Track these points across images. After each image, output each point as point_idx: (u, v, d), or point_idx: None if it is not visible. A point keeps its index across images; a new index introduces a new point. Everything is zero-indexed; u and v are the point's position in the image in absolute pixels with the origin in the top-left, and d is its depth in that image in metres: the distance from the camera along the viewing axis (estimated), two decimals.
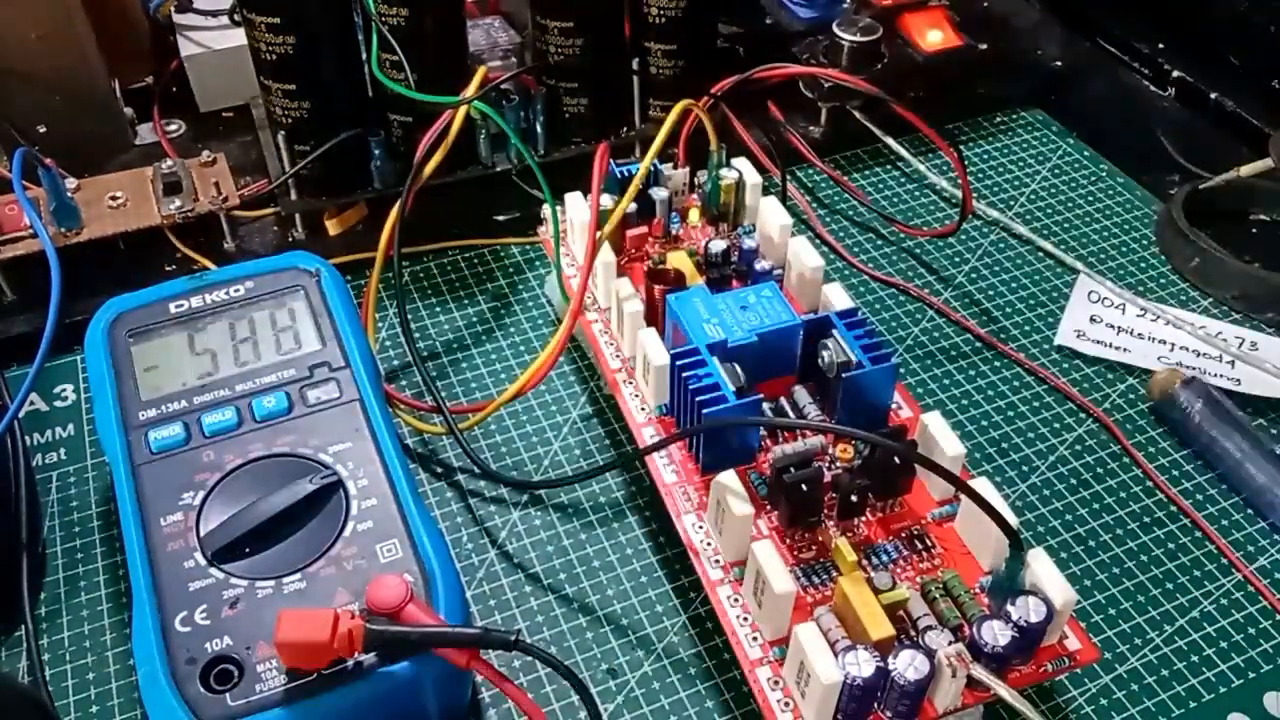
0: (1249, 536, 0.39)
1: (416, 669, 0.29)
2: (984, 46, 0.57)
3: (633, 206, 0.40)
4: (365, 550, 0.31)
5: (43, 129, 0.49)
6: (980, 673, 0.28)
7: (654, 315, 0.38)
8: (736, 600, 0.31)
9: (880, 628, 0.29)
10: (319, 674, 0.28)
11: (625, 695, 0.34)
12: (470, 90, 0.42)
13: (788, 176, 0.51)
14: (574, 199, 0.41)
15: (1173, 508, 0.39)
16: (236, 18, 0.54)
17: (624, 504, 0.39)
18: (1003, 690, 0.28)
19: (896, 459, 0.32)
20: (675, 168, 0.42)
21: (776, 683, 0.30)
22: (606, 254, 0.39)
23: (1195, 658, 0.35)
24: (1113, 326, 0.46)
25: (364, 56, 0.46)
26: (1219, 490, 0.40)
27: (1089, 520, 0.39)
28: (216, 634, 0.29)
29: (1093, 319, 0.46)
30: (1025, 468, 0.41)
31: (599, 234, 0.38)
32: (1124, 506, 0.39)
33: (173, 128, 0.54)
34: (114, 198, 0.47)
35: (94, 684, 0.34)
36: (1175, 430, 0.42)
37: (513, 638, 0.28)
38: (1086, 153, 0.56)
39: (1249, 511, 0.39)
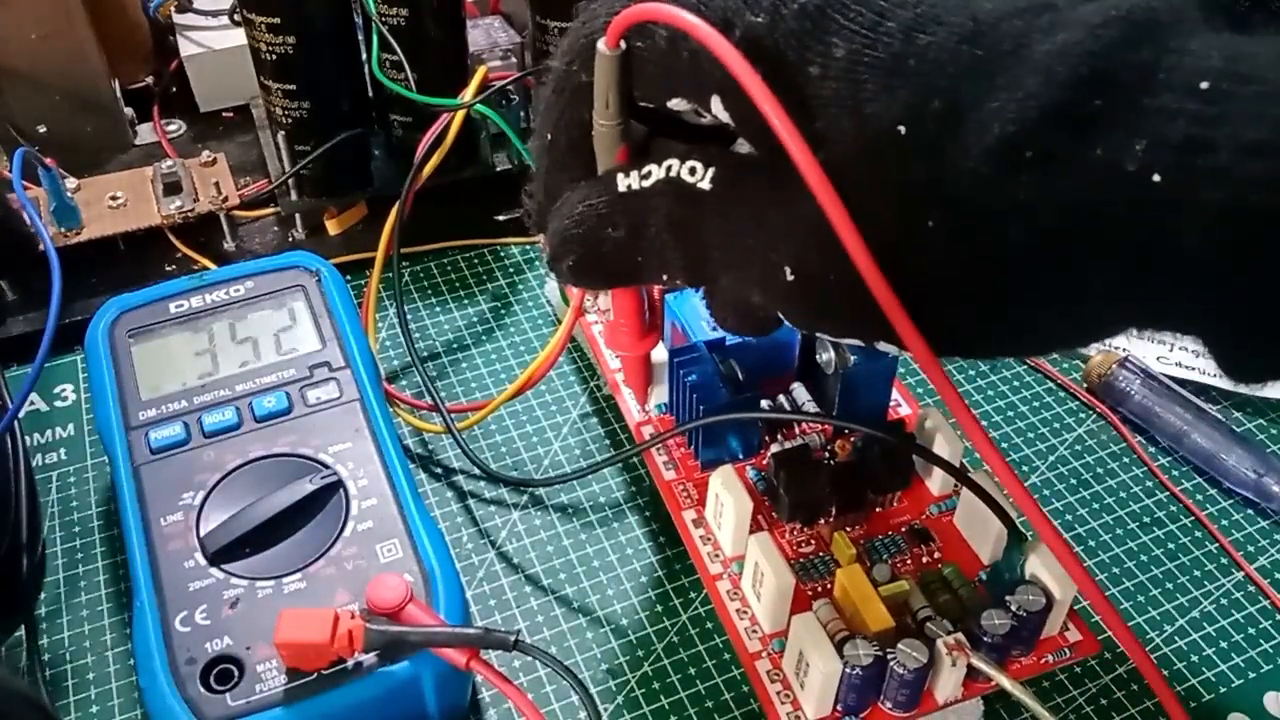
0: (1249, 536, 0.39)
1: (416, 669, 0.29)
2: None
3: None
4: (365, 550, 0.31)
5: (43, 129, 0.50)
6: (980, 662, 0.28)
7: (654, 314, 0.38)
8: (735, 595, 0.31)
9: (879, 620, 0.29)
10: (319, 674, 0.28)
11: (625, 695, 0.34)
12: (469, 93, 0.42)
13: None
14: None
15: (1173, 507, 0.39)
16: (236, 18, 0.54)
17: (624, 504, 0.39)
18: (1003, 680, 0.28)
19: (895, 453, 0.32)
20: None
21: (776, 674, 0.30)
22: None
23: (1195, 658, 0.35)
24: None
25: (364, 56, 0.46)
26: (1219, 489, 0.40)
27: (1089, 520, 0.39)
28: (216, 634, 0.29)
29: None
30: (1025, 467, 0.41)
31: None
32: (1124, 506, 0.39)
33: (173, 128, 0.54)
34: (114, 198, 0.47)
35: (94, 684, 0.34)
36: (1117, 410, 0.42)
37: (513, 638, 0.28)
38: None
39: (1250, 511, 0.39)
